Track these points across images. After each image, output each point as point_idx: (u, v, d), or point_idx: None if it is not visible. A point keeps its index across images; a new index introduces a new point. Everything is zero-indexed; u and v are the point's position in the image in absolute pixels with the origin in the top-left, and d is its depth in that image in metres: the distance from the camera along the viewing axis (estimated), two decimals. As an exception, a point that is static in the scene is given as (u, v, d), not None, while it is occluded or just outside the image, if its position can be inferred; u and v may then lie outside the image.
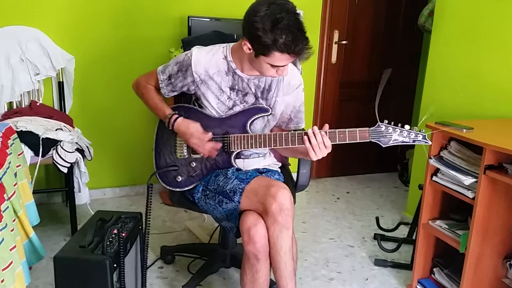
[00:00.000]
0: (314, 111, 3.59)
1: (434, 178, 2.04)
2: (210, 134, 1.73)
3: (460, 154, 1.95)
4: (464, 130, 1.88)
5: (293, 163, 2.20)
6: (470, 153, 1.92)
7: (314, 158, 1.63)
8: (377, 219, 2.75)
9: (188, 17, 2.82)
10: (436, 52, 2.67)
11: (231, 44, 1.74)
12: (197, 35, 2.38)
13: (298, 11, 1.54)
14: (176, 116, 1.77)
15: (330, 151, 1.64)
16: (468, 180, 1.85)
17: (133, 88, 1.93)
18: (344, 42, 3.50)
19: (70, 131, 2.54)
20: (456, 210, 2.14)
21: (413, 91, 3.88)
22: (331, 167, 3.73)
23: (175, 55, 2.72)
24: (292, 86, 1.80)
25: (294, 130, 1.75)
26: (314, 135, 1.59)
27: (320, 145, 1.60)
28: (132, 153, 3.11)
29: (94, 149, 2.65)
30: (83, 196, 2.61)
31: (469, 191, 1.87)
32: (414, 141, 1.58)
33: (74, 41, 2.81)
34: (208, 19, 2.87)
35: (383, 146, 1.60)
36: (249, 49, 1.59)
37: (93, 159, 2.64)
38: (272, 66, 1.59)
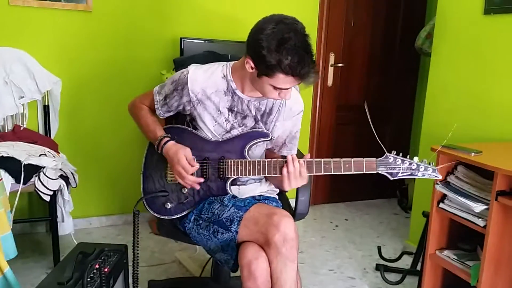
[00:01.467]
0: (310, 135, 3.48)
1: (441, 205, 1.93)
2: (195, 167, 1.60)
3: (468, 180, 1.84)
4: (473, 153, 1.78)
5: (290, 190, 2.07)
6: (480, 178, 1.81)
7: (287, 188, 1.54)
8: (379, 249, 2.61)
9: (181, 38, 2.73)
10: (436, 74, 2.59)
11: (232, 63, 1.64)
12: (190, 55, 2.28)
13: (307, 33, 1.45)
14: (167, 139, 1.65)
15: (305, 182, 1.55)
16: (478, 207, 1.74)
17: (128, 109, 1.83)
18: (340, 64, 3.43)
19: (54, 156, 2.41)
20: (464, 239, 2.02)
21: (410, 114, 3.80)
22: (328, 193, 3.61)
23: (166, 77, 2.62)
24: (293, 111, 1.71)
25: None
26: (292, 161, 1.50)
27: (296, 172, 1.50)
28: (120, 180, 2.97)
29: (80, 175, 2.52)
30: (67, 226, 2.47)
31: (480, 219, 1.76)
32: (423, 174, 1.48)
33: (61, 63, 2.71)
34: (201, 41, 2.78)
35: (391, 178, 1.49)
36: (252, 68, 1.49)
37: (79, 186, 2.51)
38: (275, 88, 1.49)
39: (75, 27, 2.70)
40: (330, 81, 3.45)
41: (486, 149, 1.84)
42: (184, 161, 1.58)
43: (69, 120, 2.79)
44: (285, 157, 1.54)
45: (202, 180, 1.61)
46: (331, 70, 3.43)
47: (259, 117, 1.66)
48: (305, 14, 3.15)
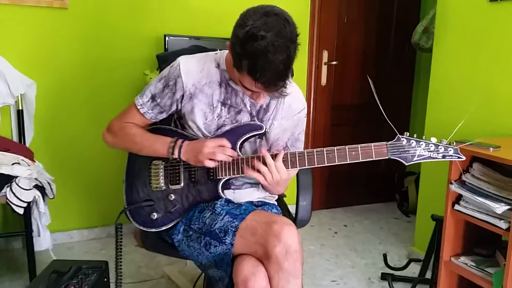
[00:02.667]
0: (304, 137, 3.29)
1: (456, 206, 1.75)
2: (227, 142, 1.40)
3: (486, 178, 1.67)
4: (491, 148, 1.61)
5: (289, 194, 1.89)
6: (499, 176, 1.64)
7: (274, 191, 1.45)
8: (385, 257, 2.43)
9: (165, 35, 2.54)
10: (439, 68, 2.43)
11: (226, 51, 1.45)
12: (175, 50, 2.08)
13: (296, 41, 1.22)
14: (182, 140, 1.43)
15: (285, 177, 1.36)
16: (500, 208, 1.57)
17: (105, 140, 1.56)
18: (334, 62, 3.26)
19: (29, 165, 2.20)
20: (481, 243, 1.85)
21: (407, 113, 3.64)
22: (325, 198, 3.42)
23: (150, 78, 2.43)
24: (293, 110, 1.51)
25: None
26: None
27: (272, 169, 1.33)
28: (103, 189, 2.75)
29: (58, 185, 2.31)
30: (44, 241, 2.26)
31: (502, 221, 1.59)
32: (444, 156, 1.29)
33: (35, 65, 2.50)
34: (187, 38, 2.59)
35: (406, 164, 1.30)
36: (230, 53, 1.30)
37: (58, 197, 2.30)
38: (243, 86, 1.30)
39: (50, 25, 2.50)
40: (324, 80, 3.28)
41: (504, 144, 1.68)
42: (211, 144, 1.37)
43: (45, 125, 2.57)
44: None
45: (235, 153, 1.41)
46: (324, 68, 3.26)
47: (254, 113, 1.47)
48: (297, 10, 2.99)
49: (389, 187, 3.63)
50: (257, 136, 1.48)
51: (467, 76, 2.25)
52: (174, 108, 1.47)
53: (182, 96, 1.43)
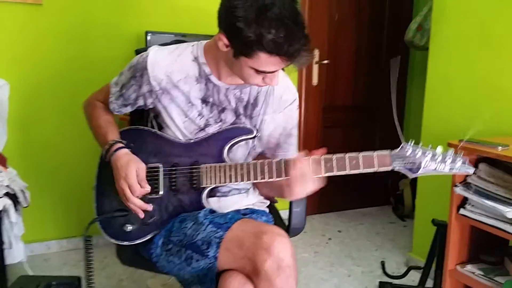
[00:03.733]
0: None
1: (462, 211, 1.62)
2: (145, 189, 1.26)
3: (494, 179, 1.54)
4: (499, 147, 1.48)
5: (281, 199, 1.74)
6: (509, 177, 1.51)
7: (290, 197, 1.20)
8: (383, 264, 2.30)
9: (146, 32, 2.39)
10: (436, 65, 2.31)
11: (204, 42, 1.31)
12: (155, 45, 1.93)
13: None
14: (120, 145, 1.30)
15: (314, 188, 1.18)
16: (511, 212, 1.43)
17: (83, 108, 1.49)
18: (325, 61, 3.13)
19: (0, 172, 2.03)
20: (487, 250, 1.72)
21: (401, 113, 3.52)
22: (318, 202, 3.28)
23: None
24: (285, 101, 1.37)
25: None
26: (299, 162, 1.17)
27: (301, 176, 1.16)
28: (82, 196, 2.58)
29: (34, 193, 2.15)
30: (17, 253, 2.09)
31: (513, 226, 1.45)
32: (451, 169, 1.14)
33: (8, 64, 2.34)
34: (170, 35, 2.44)
35: (411, 177, 1.16)
36: (226, 46, 1.15)
37: (33, 205, 2.14)
38: (257, 71, 1.16)
39: (24, 21, 2.34)
40: (315, 80, 3.14)
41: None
42: (133, 177, 1.24)
43: (19, 129, 2.40)
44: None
45: (149, 208, 1.27)
46: (315, 68, 3.13)
47: (241, 110, 1.32)
48: (286, 5, 2.85)
49: (383, 190, 3.50)
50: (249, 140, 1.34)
51: (467, 72, 2.13)
52: (140, 103, 1.33)
53: (151, 92, 1.29)
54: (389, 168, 1.16)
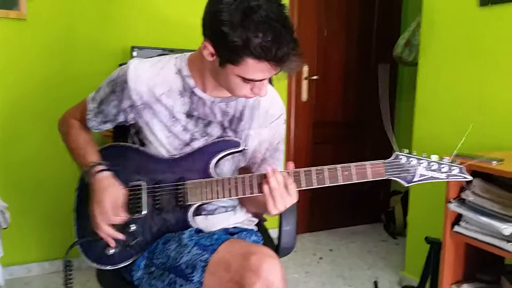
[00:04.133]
0: (285, 156, 3.09)
1: (456, 228, 1.57)
2: (119, 219, 1.20)
3: (488, 195, 1.50)
4: (494, 162, 1.45)
5: (270, 217, 1.68)
6: (504, 193, 1.47)
7: (273, 211, 1.13)
8: (376, 284, 2.23)
9: (132, 47, 2.35)
10: (425, 80, 2.29)
11: (188, 54, 1.26)
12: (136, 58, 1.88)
13: (281, 2, 1.08)
14: (102, 167, 1.23)
15: (294, 200, 1.14)
16: (508, 229, 1.40)
17: (58, 127, 1.42)
18: (314, 77, 3.10)
19: (-22, 191, 1.95)
20: (483, 268, 1.67)
21: (391, 129, 3.50)
22: (308, 221, 3.22)
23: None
24: (271, 115, 1.32)
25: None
26: (274, 174, 1.11)
27: (281, 188, 1.11)
28: (65, 216, 2.45)
29: (14, 213, 2.04)
30: (-5, 277, 1.99)
31: (510, 243, 1.41)
32: (448, 176, 1.11)
33: (-12, 80, 2.27)
34: (159, 50, 2.39)
35: (406, 185, 1.12)
36: (212, 55, 1.10)
37: (13, 226, 2.04)
38: (244, 80, 1.10)
39: (6, 37, 2.28)
40: (304, 96, 3.11)
41: (507, 157, 1.52)
42: (107, 204, 1.18)
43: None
44: None
45: (120, 237, 1.21)
46: (305, 83, 3.10)
47: (226, 123, 1.26)
48: (274, 21, 2.83)
49: (374, 208, 3.46)
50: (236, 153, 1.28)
51: (457, 87, 2.11)
52: (121, 119, 1.27)
53: (132, 107, 1.23)
54: (383, 178, 1.11)
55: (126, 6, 2.50)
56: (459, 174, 1.11)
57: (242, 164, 1.34)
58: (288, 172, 1.13)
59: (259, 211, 1.38)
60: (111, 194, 1.19)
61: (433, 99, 2.24)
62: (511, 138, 1.88)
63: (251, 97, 1.19)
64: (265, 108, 1.29)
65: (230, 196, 1.17)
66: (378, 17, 3.30)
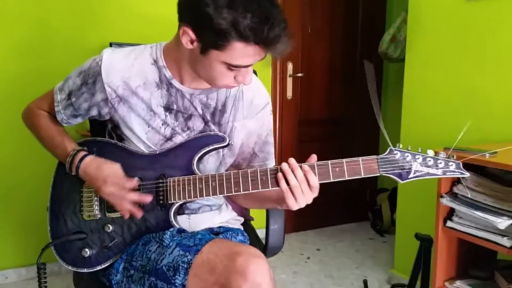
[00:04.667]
0: (270, 155, 3.05)
1: (449, 223, 1.52)
2: (135, 180, 1.13)
3: (481, 189, 1.46)
4: (487, 154, 1.40)
5: (258, 216, 1.62)
6: (497, 186, 1.43)
7: (295, 207, 1.07)
8: (365, 283, 2.18)
9: (110, 43, 2.25)
10: (413, 75, 2.24)
11: (163, 43, 1.18)
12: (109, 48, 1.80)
13: None
14: (84, 153, 1.16)
15: (316, 195, 1.08)
16: (503, 223, 1.35)
17: (22, 117, 1.33)
18: (299, 74, 3.05)
19: None
20: (476, 264, 1.63)
21: (377, 127, 3.46)
22: (294, 220, 3.15)
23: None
24: (256, 106, 1.25)
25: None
26: (293, 171, 1.03)
27: (303, 185, 1.03)
28: (41, 220, 2.35)
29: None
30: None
31: (505, 238, 1.37)
32: (444, 172, 1.05)
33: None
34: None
35: (401, 182, 1.06)
36: (192, 42, 1.03)
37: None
38: (230, 67, 1.03)
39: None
40: (289, 94, 3.05)
41: (498, 150, 1.47)
42: (115, 176, 1.11)
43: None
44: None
45: (150, 198, 1.13)
46: (289, 81, 3.04)
47: (208, 116, 1.19)
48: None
49: (361, 206, 3.42)
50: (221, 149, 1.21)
51: (446, 82, 2.07)
52: (93, 113, 1.19)
53: (106, 100, 1.15)
54: (376, 174, 1.05)
55: (104, 0, 2.41)
56: (456, 170, 1.05)
57: (229, 160, 1.26)
58: (313, 165, 1.06)
59: (263, 207, 1.30)
60: (109, 168, 1.12)
61: (421, 94, 2.20)
62: (502, 131, 1.85)
63: (233, 87, 1.12)
64: (249, 98, 1.23)
65: (215, 194, 1.10)
66: (362, 13, 3.26)
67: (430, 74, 2.15)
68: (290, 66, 3.03)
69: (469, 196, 1.46)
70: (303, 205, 1.08)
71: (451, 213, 1.53)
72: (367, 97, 3.28)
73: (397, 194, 3.06)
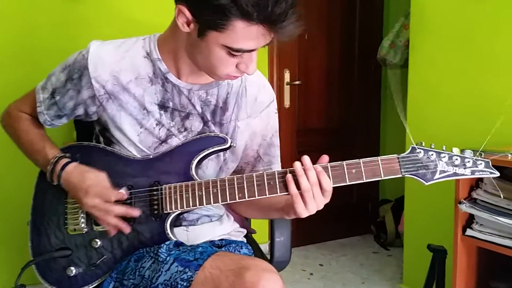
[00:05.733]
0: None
1: (469, 231, 1.40)
2: (123, 191, 1.00)
3: (504, 193, 1.34)
4: (510, 155, 1.29)
5: (259, 228, 1.50)
6: (521, 189, 1.32)
7: (304, 214, 0.96)
8: (375, 299, 2.04)
9: (99, 49, 2.14)
10: (417, 78, 2.14)
11: (157, 34, 1.07)
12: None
13: None
14: (67, 160, 1.03)
15: (328, 200, 0.97)
16: (530, 229, 1.23)
17: (2, 123, 1.20)
18: (297, 82, 2.95)
19: None
20: (496, 275, 1.51)
21: (377, 135, 3.36)
22: (295, 235, 2.99)
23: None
24: (260, 103, 1.13)
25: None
26: (305, 172, 0.91)
27: (315, 188, 0.92)
28: (24, 236, 2.24)
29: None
30: None
31: (532, 246, 1.25)
32: (473, 172, 0.94)
33: None
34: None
35: (426, 183, 0.95)
36: (188, 24, 0.92)
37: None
38: (231, 52, 0.91)
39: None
40: (287, 102, 2.95)
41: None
42: (99, 185, 0.99)
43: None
44: None
45: (137, 212, 1.00)
46: (287, 89, 2.94)
47: (208, 115, 1.08)
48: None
49: (363, 218, 3.29)
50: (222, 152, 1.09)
51: (452, 83, 1.98)
52: (80, 112, 1.07)
53: (93, 98, 1.03)
54: (398, 176, 0.94)
55: (90, 5, 2.30)
56: (486, 170, 0.94)
57: (232, 164, 1.14)
58: (326, 166, 0.96)
59: (268, 217, 1.19)
60: (93, 177, 1.00)
61: (426, 97, 2.10)
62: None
63: (236, 77, 1.01)
64: (253, 95, 1.12)
65: (217, 202, 0.98)
66: (360, 19, 3.18)
67: (435, 76, 2.05)
68: (287, 74, 2.94)
69: (479, 198, 1.36)
70: (313, 212, 0.97)
71: (470, 220, 1.42)
72: (364, 103, 3.23)
73: (400, 205, 2.97)
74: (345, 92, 3.17)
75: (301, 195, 0.93)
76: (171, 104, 1.05)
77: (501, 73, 1.79)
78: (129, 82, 1.03)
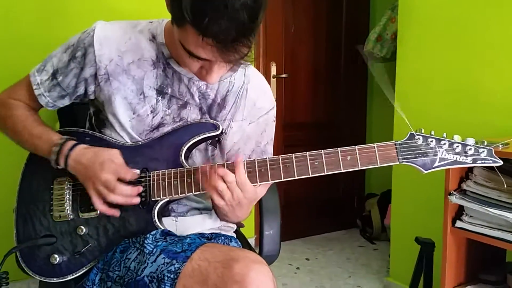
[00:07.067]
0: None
1: (458, 223, 1.39)
2: (137, 171, 0.97)
3: (493, 184, 1.34)
4: (500, 146, 1.28)
5: (246, 222, 1.47)
6: (510, 181, 1.31)
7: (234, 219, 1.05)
8: (363, 292, 2.03)
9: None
10: (405, 70, 2.13)
11: (165, 20, 1.03)
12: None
13: None
14: (75, 142, 0.99)
15: (251, 196, 0.94)
16: (521, 220, 1.22)
17: None
18: (283, 75, 2.92)
19: None
20: (485, 267, 1.51)
21: (363, 129, 3.36)
22: (281, 229, 2.98)
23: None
24: (259, 109, 1.11)
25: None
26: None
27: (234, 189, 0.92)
28: (10, 224, 2.17)
29: None
30: None
31: (523, 237, 1.24)
32: (474, 160, 0.92)
33: None
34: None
35: (424, 172, 0.92)
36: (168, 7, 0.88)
37: None
38: (189, 52, 0.86)
39: None
40: (273, 96, 2.92)
41: (509, 141, 1.36)
42: (111, 162, 0.95)
43: None
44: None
45: (137, 201, 0.96)
46: (273, 82, 2.92)
47: (205, 108, 1.04)
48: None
49: (349, 212, 3.29)
50: (209, 143, 1.05)
51: (440, 74, 1.97)
52: (80, 91, 1.04)
53: (94, 76, 1.00)
54: (395, 163, 0.91)
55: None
56: (488, 158, 0.93)
57: (219, 161, 1.10)
58: (242, 163, 0.93)
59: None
60: (106, 154, 0.96)
61: (414, 89, 2.09)
62: (503, 125, 1.74)
63: (202, 80, 0.96)
64: (253, 99, 1.09)
65: (204, 190, 0.94)
66: (346, 12, 3.17)
67: (423, 69, 2.04)
68: (273, 67, 2.91)
69: (469, 189, 1.35)
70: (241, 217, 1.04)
71: (459, 212, 1.41)
72: (352, 98, 3.22)
73: (386, 199, 2.97)
74: (332, 86, 3.16)
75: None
76: (169, 91, 1.01)
77: (490, 65, 1.79)
78: (131, 63, 1.00)
